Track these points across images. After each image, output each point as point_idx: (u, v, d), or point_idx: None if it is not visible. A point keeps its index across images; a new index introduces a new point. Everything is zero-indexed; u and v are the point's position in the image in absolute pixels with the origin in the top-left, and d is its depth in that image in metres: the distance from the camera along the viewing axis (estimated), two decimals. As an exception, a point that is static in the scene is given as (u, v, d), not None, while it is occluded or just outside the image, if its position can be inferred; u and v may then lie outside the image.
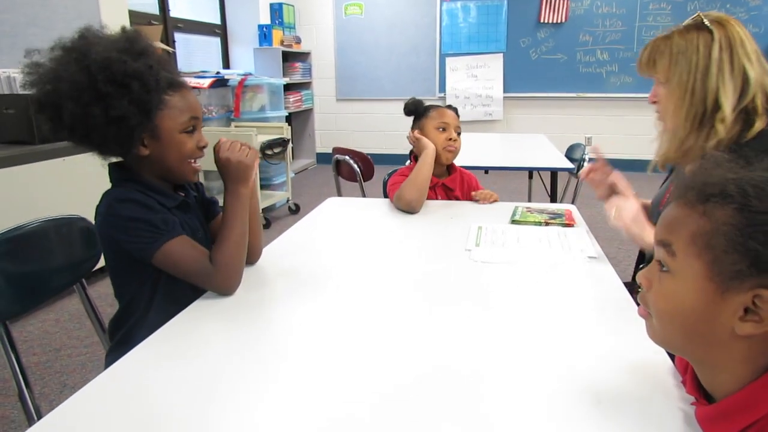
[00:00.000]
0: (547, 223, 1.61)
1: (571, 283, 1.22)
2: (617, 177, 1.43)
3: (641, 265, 1.62)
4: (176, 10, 5.00)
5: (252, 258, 1.30)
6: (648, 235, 1.26)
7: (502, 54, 6.14)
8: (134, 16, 4.12)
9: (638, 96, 5.88)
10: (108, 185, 1.17)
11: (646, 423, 0.72)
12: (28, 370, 2.18)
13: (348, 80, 6.63)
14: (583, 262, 1.32)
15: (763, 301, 0.56)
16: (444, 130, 1.87)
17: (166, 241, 1.10)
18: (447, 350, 0.92)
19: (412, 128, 1.94)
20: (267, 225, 4.17)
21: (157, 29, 4.16)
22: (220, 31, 5.86)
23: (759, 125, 1.17)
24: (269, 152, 4.21)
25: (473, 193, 1.92)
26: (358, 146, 3.46)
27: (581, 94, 6.08)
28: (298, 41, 6.29)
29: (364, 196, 2.77)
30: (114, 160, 1.17)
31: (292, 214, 4.59)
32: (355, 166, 2.84)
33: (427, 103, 1.96)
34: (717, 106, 1.19)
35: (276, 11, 6.02)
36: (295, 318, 1.04)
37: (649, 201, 1.52)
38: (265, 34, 5.82)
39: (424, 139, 1.85)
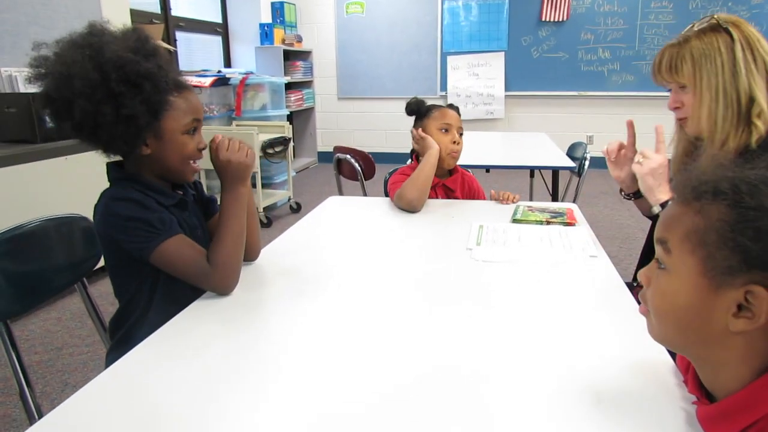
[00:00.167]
0: (548, 222, 1.61)
1: (572, 282, 1.22)
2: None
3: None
4: (177, 9, 5.00)
5: (251, 255, 1.30)
6: (661, 191, 1.27)
7: (503, 52, 6.13)
8: (136, 14, 4.12)
9: (640, 94, 5.87)
10: (108, 185, 1.18)
11: (646, 423, 0.72)
12: (30, 368, 2.19)
13: (349, 79, 6.63)
14: (585, 261, 1.32)
15: (755, 297, 0.57)
16: (447, 131, 1.87)
17: (163, 240, 1.10)
18: (447, 349, 0.92)
19: (414, 127, 1.94)
20: (268, 224, 4.18)
21: (159, 28, 4.16)
22: (222, 29, 5.86)
23: None
24: (270, 151, 4.22)
25: (493, 191, 1.91)
26: (359, 145, 3.46)
27: (583, 93, 6.07)
28: (300, 40, 6.29)
29: (365, 194, 2.77)
30: (115, 158, 1.18)
31: (293, 213, 4.59)
32: (357, 164, 2.84)
33: (429, 103, 1.96)
34: (751, 102, 1.19)
35: (277, 10, 6.02)
36: (296, 317, 1.04)
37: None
38: (266, 33, 5.82)
39: (429, 139, 1.85)
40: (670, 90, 1.34)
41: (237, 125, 4.48)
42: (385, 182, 2.09)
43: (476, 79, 6.25)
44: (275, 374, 0.85)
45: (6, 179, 2.54)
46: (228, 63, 5.91)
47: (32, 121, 2.70)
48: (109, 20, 1.11)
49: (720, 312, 0.59)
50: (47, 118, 1.10)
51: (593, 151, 2.99)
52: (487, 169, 3.44)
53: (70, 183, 2.80)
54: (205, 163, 1.20)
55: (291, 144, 4.48)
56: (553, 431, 0.71)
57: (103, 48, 1.03)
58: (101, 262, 1.33)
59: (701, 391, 0.69)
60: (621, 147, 1.49)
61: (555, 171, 2.96)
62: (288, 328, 1.01)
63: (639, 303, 0.72)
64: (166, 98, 1.10)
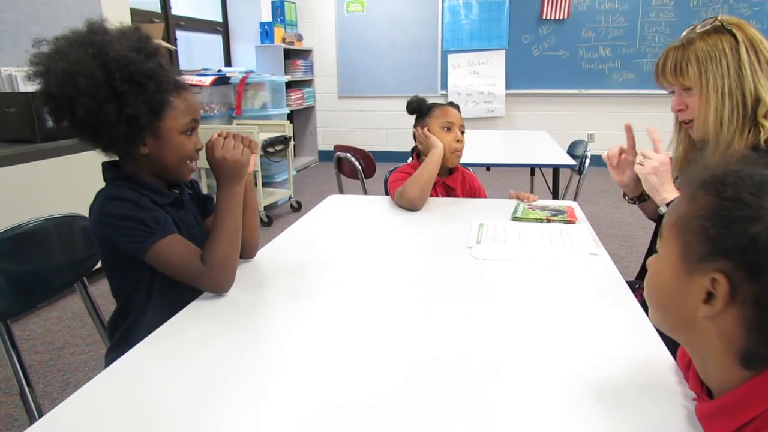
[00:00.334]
0: (548, 220, 1.61)
1: (572, 280, 1.22)
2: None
3: None
4: (178, 8, 5.00)
5: (249, 253, 1.30)
6: (666, 189, 1.27)
7: (504, 51, 6.12)
8: (136, 13, 4.12)
9: (640, 92, 5.86)
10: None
11: (647, 420, 0.72)
12: (31, 368, 2.19)
13: (350, 77, 6.62)
14: (585, 259, 1.32)
15: (718, 284, 0.58)
16: (449, 129, 1.87)
17: (157, 239, 1.09)
18: (448, 348, 0.92)
19: (416, 126, 1.94)
20: (269, 222, 4.18)
21: (159, 27, 4.16)
22: (222, 28, 5.86)
23: None
24: (271, 150, 4.21)
25: (512, 191, 1.89)
26: (359, 143, 3.45)
27: (583, 91, 6.06)
28: (300, 39, 6.29)
29: (365, 193, 2.77)
30: (114, 157, 1.17)
31: (293, 212, 4.59)
32: (357, 163, 2.84)
33: (430, 101, 1.96)
34: (757, 103, 1.20)
35: (278, 9, 6.02)
36: (296, 316, 1.04)
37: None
38: (266, 32, 5.82)
39: (434, 138, 1.84)
40: (672, 92, 1.34)
41: (237, 124, 4.47)
42: (386, 181, 2.09)
43: (477, 78, 6.24)
44: (275, 373, 0.85)
45: (6, 179, 2.54)
46: (228, 62, 5.91)
47: (32, 120, 2.70)
48: (106, 18, 1.11)
49: (692, 297, 0.62)
50: (47, 117, 1.09)
51: (594, 149, 2.99)
52: (488, 167, 3.44)
53: (70, 183, 2.80)
54: (204, 162, 1.20)
55: (291, 143, 4.48)
56: (553, 428, 0.71)
57: (106, 47, 1.03)
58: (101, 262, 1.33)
59: (702, 388, 0.69)
60: (621, 151, 1.49)
61: (555, 169, 2.96)
62: (288, 327, 1.01)
63: (640, 303, 0.73)
64: (167, 98, 1.10)
